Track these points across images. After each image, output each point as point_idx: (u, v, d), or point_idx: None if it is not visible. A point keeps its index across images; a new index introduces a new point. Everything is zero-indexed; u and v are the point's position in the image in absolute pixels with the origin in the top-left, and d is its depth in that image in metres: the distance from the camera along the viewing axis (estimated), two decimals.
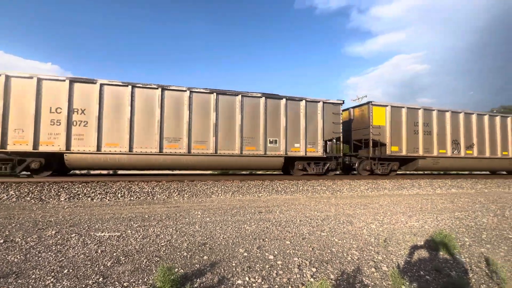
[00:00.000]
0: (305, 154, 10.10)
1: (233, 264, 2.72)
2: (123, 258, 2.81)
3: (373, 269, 2.71)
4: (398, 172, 12.55)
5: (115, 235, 3.58)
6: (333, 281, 2.43)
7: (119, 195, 6.82)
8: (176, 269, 2.54)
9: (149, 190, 7.26)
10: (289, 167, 10.63)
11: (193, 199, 6.92)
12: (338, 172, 11.63)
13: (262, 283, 2.36)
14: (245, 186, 8.30)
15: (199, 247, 3.19)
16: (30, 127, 7.60)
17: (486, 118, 13.00)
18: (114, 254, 2.93)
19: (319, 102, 10.28)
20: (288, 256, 2.99)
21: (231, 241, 3.45)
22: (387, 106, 11.39)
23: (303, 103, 10.07)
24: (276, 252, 3.08)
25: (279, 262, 2.80)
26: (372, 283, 2.43)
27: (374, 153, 11.40)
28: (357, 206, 6.09)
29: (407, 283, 2.42)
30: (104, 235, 3.60)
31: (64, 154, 7.80)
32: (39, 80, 7.74)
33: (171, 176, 10.24)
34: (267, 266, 2.69)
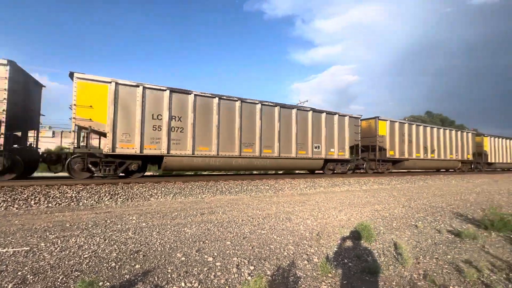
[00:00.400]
0: (337, 157, 12.62)
1: (169, 271, 2.58)
2: (31, 277, 2.37)
3: (305, 262, 2.93)
4: (393, 171, 16.15)
5: (22, 250, 3.00)
6: (269, 277, 2.53)
7: (32, 202, 5.76)
8: (101, 283, 2.27)
9: (73, 195, 6.33)
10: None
11: (128, 203, 6.32)
12: (351, 171, 14.28)
13: (199, 287, 2.30)
14: (188, 187, 8.00)
15: (131, 256, 2.92)
16: (137, 132, 8.21)
17: (441, 131, 17.91)
18: (19, 273, 2.45)
19: (346, 116, 13.01)
20: (227, 256, 2.98)
21: (168, 246, 3.27)
22: (387, 120, 14.85)
23: (336, 116, 12.67)
24: (215, 254, 3.04)
25: (218, 264, 2.77)
26: (304, 275, 2.62)
27: (377, 156, 14.54)
28: (296, 204, 6.50)
29: (333, 271, 2.69)
30: (6, 251, 2.98)
31: (164, 157, 8.58)
32: (144, 89, 8.36)
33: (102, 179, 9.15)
34: (205, 269, 2.64)
